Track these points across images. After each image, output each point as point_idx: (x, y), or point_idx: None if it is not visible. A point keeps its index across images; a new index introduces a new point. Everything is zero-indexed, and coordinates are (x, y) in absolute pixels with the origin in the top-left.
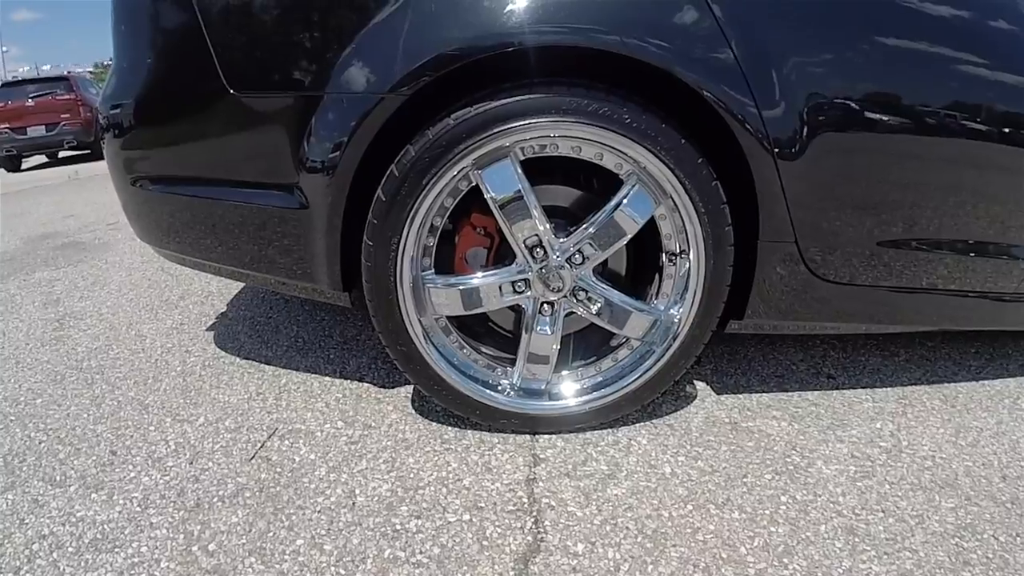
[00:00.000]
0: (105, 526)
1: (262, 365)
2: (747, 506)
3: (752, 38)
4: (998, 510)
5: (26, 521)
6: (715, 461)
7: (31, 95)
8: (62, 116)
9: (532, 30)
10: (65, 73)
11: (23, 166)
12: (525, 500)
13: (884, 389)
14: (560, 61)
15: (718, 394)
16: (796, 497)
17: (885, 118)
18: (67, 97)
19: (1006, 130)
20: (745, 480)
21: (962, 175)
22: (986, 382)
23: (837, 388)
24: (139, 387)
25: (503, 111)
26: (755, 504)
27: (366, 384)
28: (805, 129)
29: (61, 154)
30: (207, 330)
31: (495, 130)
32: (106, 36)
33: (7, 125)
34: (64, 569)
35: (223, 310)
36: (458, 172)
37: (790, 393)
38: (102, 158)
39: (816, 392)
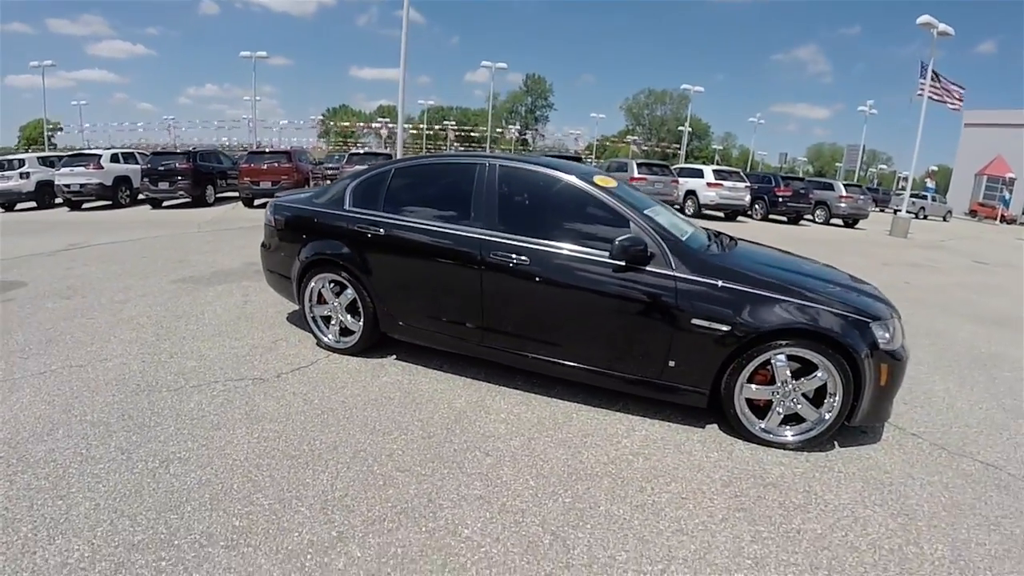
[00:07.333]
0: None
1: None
2: (384, 418)
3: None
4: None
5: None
6: (388, 390)
7: (265, 161)
8: (282, 177)
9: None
10: (288, 148)
11: (255, 203)
12: (328, 356)
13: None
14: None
15: (402, 361)
16: (416, 417)
17: (404, 271)
18: (288, 165)
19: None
20: (377, 402)
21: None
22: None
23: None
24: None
25: (331, 270)
26: (390, 418)
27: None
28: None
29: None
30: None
31: (321, 274)
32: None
33: (248, 179)
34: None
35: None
36: (318, 280)
37: (452, 375)
38: None
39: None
